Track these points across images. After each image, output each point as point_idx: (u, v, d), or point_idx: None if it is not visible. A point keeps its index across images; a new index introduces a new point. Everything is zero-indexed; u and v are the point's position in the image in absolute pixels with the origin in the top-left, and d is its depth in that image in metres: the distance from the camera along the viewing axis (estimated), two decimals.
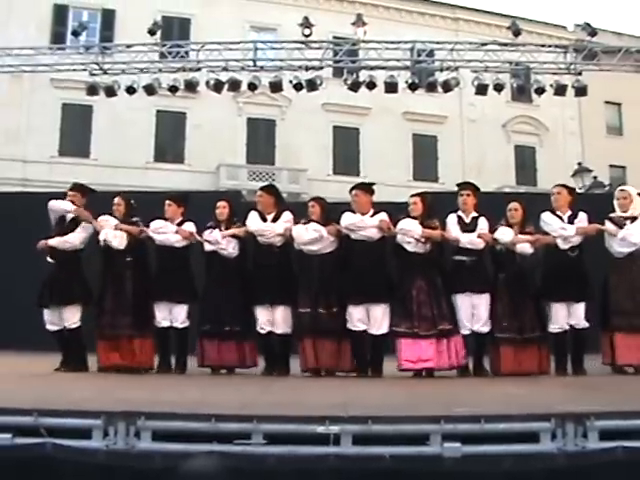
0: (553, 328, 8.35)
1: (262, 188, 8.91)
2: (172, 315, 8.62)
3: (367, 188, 8.54)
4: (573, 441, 4.28)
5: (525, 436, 4.33)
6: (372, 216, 8.25)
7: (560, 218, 8.47)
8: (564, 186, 9.05)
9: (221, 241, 8.47)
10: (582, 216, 8.51)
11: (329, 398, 5.80)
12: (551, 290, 8.37)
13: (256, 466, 4.20)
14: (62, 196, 9.03)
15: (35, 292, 8.88)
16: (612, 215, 8.58)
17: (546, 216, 8.52)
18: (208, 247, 8.59)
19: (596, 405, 4.85)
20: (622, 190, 8.76)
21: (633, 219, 8.44)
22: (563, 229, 8.37)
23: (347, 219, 8.24)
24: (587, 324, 8.32)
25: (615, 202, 8.69)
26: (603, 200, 9.04)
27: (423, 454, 4.24)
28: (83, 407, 4.70)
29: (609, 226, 8.46)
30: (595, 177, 24.81)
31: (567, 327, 8.32)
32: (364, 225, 8.17)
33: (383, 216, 8.22)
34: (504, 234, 8.33)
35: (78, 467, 4.27)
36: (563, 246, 8.36)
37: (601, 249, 8.55)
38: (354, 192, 8.44)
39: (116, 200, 8.91)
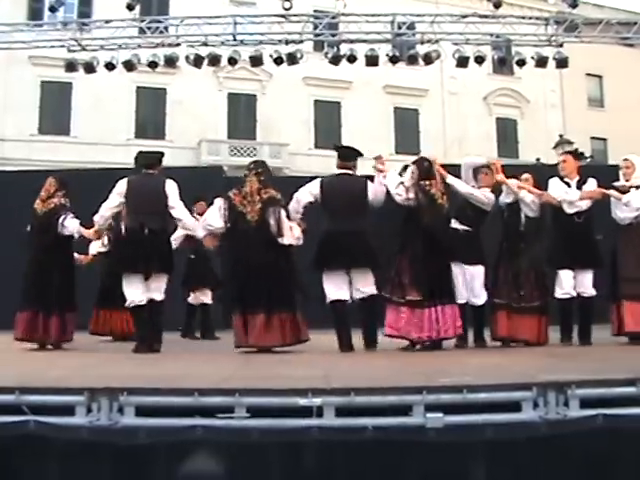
0: (559, 293, 8.43)
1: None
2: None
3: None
4: (555, 410, 4.31)
5: (507, 405, 4.35)
6: None
7: (568, 185, 8.55)
8: (569, 152, 9.14)
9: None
10: (591, 182, 8.59)
11: (311, 370, 5.81)
12: (558, 257, 8.43)
13: (240, 439, 4.21)
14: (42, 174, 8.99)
15: (14, 270, 8.90)
16: (616, 184, 8.65)
17: (552, 182, 8.61)
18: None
19: (577, 373, 4.89)
20: (625, 159, 8.79)
21: (637, 188, 8.47)
22: (566, 193, 8.45)
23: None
24: (594, 292, 8.39)
25: (620, 172, 8.77)
26: (585, 171, 9.04)
27: (406, 425, 4.25)
28: (65, 384, 4.70)
29: (616, 194, 8.51)
30: (576, 149, 24.87)
31: (574, 294, 8.38)
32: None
33: None
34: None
35: (62, 444, 4.27)
36: (569, 210, 8.44)
37: (611, 218, 8.64)
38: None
39: None
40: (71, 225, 8.91)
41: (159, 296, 8.18)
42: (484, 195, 8.44)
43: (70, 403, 4.31)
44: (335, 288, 7.97)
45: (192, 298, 11.39)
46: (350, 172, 8.25)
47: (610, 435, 4.29)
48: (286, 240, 8.00)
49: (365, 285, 7.94)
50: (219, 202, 8.14)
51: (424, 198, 7.91)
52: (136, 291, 8.08)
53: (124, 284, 8.14)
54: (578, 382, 4.41)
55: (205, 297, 11.52)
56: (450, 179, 8.25)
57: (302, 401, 4.25)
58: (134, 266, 8.07)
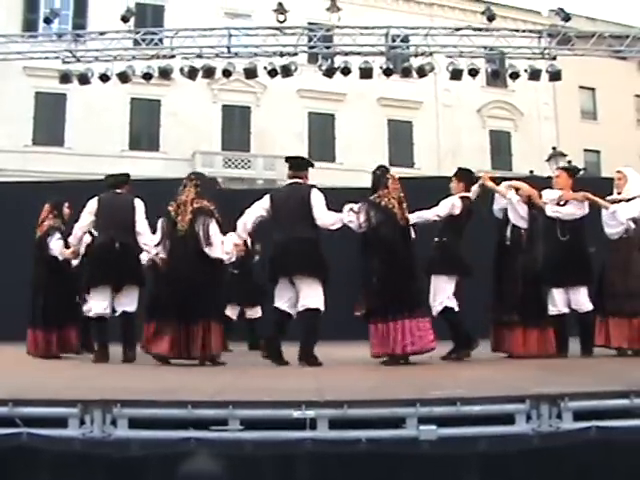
0: (551, 311, 8.47)
1: None
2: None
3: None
4: (548, 422, 4.33)
5: (500, 418, 4.36)
6: None
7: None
8: (564, 169, 9.19)
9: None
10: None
11: (304, 383, 5.81)
12: (548, 276, 8.46)
13: (233, 452, 4.21)
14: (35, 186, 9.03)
15: (9, 280, 8.93)
16: (608, 198, 8.65)
17: (544, 191, 8.71)
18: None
19: (570, 386, 4.90)
20: (618, 171, 8.81)
21: (628, 201, 8.48)
22: (550, 194, 8.56)
23: None
24: (591, 306, 8.41)
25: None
26: (579, 184, 9.08)
27: (399, 437, 4.26)
28: (59, 396, 4.69)
29: (602, 202, 8.55)
30: (570, 161, 24.98)
31: (565, 310, 8.44)
32: None
33: None
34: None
35: (54, 456, 4.26)
36: (550, 213, 8.49)
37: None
38: None
39: None
40: (55, 246, 9.19)
41: (131, 308, 8.51)
42: (438, 210, 8.46)
43: (63, 415, 4.30)
44: (278, 297, 7.86)
45: (230, 311, 11.18)
46: (300, 181, 8.14)
47: (603, 447, 4.29)
48: (214, 252, 7.96)
49: (306, 297, 7.69)
50: (160, 223, 8.29)
51: (376, 212, 7.76)
52: (102, 303, 8.41)
53: (91, 295, 8.47)
54: (571, 394, 4.42)
55: (255, 312, 11.47)
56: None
57: (295, 413, 4.25)
58: (104, 279, 8.40)
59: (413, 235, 8.03)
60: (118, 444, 4.23)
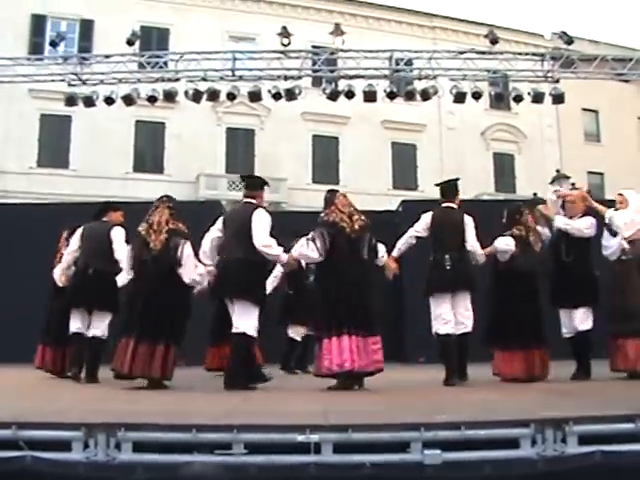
0: (564, 334, 8.57)
1: None
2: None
3: None
4: (552, 446, 4.31)
5: (505, 442, 4.35)
6: None
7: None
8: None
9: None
10: (588, 217, 8.72)
11: (309, 407, 5.80)
12: (553, 298, 8.56)
13: (237, 476, 4.19)
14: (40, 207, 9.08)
15: (10, 301, 8.99)
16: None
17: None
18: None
19: (575, 410, 4.89)
20: (620, 194, 8.92)
21: None
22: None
23: None
24: (587, 327, 8.43)
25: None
26: None
27: (404, 461, 4.24)
28: (63, 419, 4.68)
29: (599, 207, 8.70)
30: (573, 184, 24.91)
31: (572, 333, 8.51)
32: None
33: None
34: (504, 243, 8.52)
35: (58, 479, 4.25)
36: (559, 224, 8.66)
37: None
38: None
39: None
40: (55, 271, 9.55)
41: (98, 332, 8.70)
42: (415, 226, 8.59)
43: (67, 438, 4.30)
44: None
45: (292, 332, 11.14)
46: (252, 201, 8.10)
47: (608, 472, 4.27)
48: (186, 275, 7.93)
49: (237, 320, 7.65)
50: (130, 245, 8.34)
51: (327, 230, 7.71)
52: (79, 322, 8.80)
53: (70, 317, 8.82)
54: (576, 418, 4.41)
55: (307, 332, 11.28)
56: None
57: (300, 437, 4.24)
58: (78, 302, 8.77)
59: (382, 255, 8.12)
60: (122, 468, 4.22)
